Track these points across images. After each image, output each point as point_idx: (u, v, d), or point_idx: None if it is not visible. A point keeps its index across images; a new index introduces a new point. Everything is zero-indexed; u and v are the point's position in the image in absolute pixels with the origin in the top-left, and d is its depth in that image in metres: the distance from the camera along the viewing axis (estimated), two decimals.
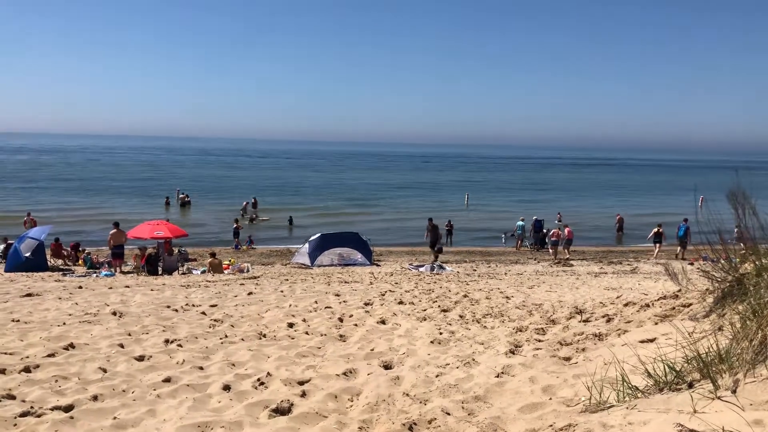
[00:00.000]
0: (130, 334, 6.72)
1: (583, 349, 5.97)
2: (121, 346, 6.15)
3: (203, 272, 20.41)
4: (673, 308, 6.65)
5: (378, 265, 24.15)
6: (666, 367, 3.58)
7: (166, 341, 6.42)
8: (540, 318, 8.31)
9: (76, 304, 8.79)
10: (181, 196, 47.88)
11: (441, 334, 7.35)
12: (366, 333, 7.30)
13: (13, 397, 4.42)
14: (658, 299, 7.38)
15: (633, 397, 3.46)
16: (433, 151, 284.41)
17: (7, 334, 6.61)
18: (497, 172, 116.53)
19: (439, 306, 9.78)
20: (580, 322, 7.51)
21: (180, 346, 6.29)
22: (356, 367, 5.57)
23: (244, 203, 44.36)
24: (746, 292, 5.06)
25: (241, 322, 7.71)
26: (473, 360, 5.85)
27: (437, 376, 5.35)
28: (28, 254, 20.60)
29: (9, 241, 23.22)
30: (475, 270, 22.61)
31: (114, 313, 7.93)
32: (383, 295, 11.12)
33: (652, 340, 5.65)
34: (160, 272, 19.84)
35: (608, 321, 7.10)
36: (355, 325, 7.85)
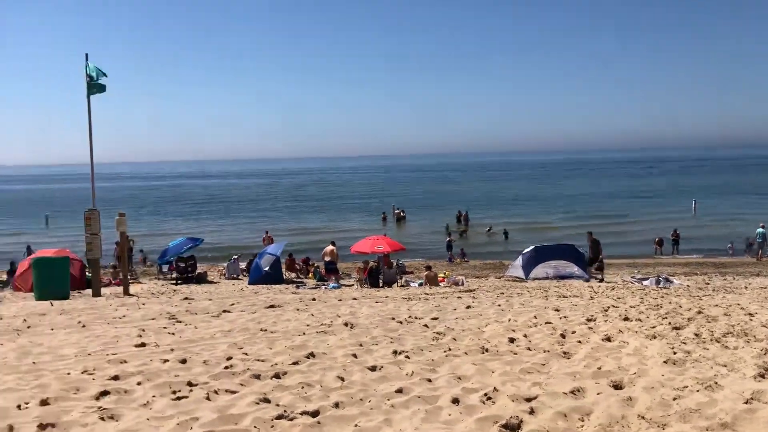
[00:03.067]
0: (361, 345, 7.17)
1: None
2: (354, 356, 6.58)
3: (420, 285, 21.09)
4: None
5: (596, 278, 23.13)
6: None
7: (395, 352, 6.75)
8: None
9: (312, 315, 9.59)
10: (396, 211, 50.09)
11: (675, 353, 6.84)
12: (591, 350, 7.04)
13: (268, 401, 4.94)
14: None
15: None
16: (648, 156, 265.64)
17: (257, 342, 7.40)
18: (726, 174, 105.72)
19: (669, 323, 9.11)
20: None
21: (407, 357, 6.57)
22: (584, 386, 5.40)
23: (456, 214, 45.39)
24: None
25: (463, 336, 7.85)
26: (715, 383, 5.37)
27: (674, 399, 5.00)
28: (267, 268, 22.89)
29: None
30: (708, 283, 20.71)
31: (346, 324, 8.52)
32: (606, 310, 10.64)
33: None
34: (380, 284, 20.88)
35: None
36: (579, 341, 7.60)
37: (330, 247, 23.19)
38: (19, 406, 4.60)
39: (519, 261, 23.86)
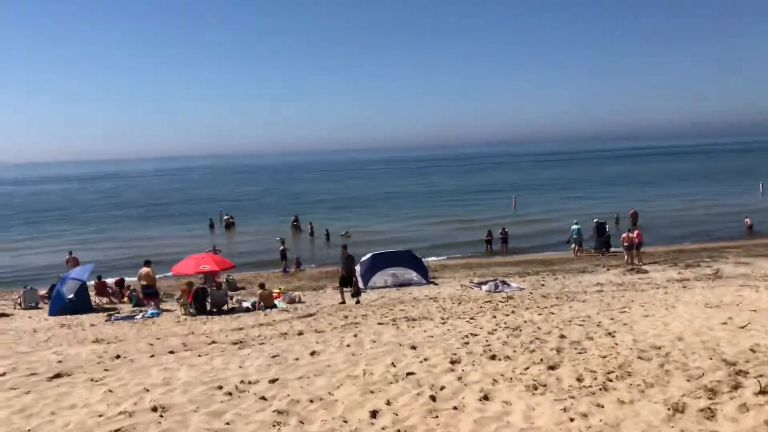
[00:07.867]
0: None
1: None
2: None
3: (253, 304, 19.07)
4: None
5: (435, 284, 22.48)
6: None
7: None
8: (687, 382, 6.49)
9: (110, 391, 7.18)
10: (225, 217, 47.04)
11: (572, 421, 5.62)
12: (474, 427, 5.60)
13: None
14: None
15: None
16: (470, 152, 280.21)
17: None
18: (538, 170, 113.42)
19: (542, 359, 8.03)
20: (756, 395, 5.71)
21: None
22: None
23: (292, 220, 43.25)
24: None
25: (313, 414, 6.07)
26: None
27: None
28: (71, 296, 19.67)
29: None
30: (543, 284, 20.74)
31: (154, 410, 6.34)
32: (466, 343, 9.40)
33: None
34: (208, 308, 18.54)
35: None
36: (455, 408, 6.14)
37: (145, 269, 20.28)
38: None
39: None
